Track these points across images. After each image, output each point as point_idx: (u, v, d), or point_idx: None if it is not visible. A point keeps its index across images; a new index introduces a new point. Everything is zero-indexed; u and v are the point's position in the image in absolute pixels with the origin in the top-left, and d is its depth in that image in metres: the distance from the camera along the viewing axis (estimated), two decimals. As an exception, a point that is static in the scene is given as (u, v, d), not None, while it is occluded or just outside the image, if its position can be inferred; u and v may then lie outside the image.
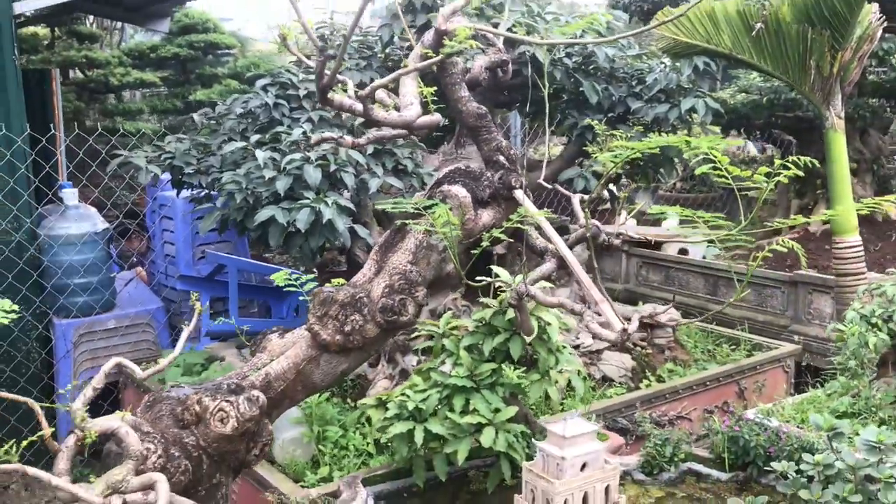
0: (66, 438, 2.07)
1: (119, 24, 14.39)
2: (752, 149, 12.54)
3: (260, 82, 5.46)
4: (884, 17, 5.97)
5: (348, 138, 3.08)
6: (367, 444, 4.37)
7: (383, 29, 5.81)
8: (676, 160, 6.33)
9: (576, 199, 3.46)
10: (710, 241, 2.88)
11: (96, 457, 5.80)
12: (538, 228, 3.39)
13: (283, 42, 2.49)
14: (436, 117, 3.11)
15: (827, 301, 6.67)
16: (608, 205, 8.77)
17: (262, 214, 4.34)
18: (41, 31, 12.53)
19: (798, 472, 3.14)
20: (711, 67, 6.21)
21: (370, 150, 4.78)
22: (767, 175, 2.61)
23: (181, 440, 2.30)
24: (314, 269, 6.36)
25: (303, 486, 4.00)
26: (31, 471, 1.86)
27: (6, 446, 1.80)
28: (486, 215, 3.33)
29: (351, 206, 4.48)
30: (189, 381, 4.85)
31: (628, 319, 2.87)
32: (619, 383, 5.29)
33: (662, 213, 3.05)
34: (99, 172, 6.40)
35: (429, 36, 3.32)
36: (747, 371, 5.55)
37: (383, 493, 3.74)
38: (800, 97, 7.50)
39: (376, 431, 3.83)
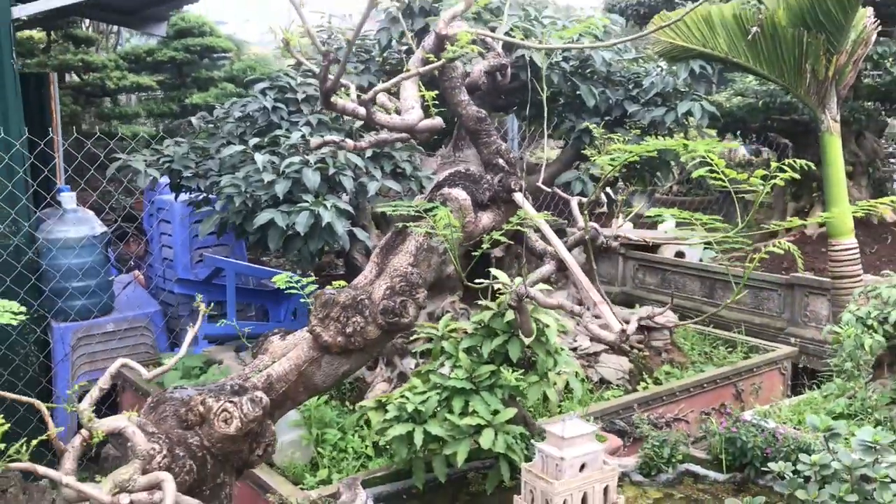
0: (72, 439, 2.09)
1: (115, 28, 14.39)
2: (742, 152, 12.58)
3: (258, 86, 5.48)
4: (878, 21, 6.02)
5: (349, 142, 3.10)
6: (366, 446, 4.38)
7: (381, 33, 5.84)
8: (673, 163, 6.37)
9: (574, 202, 3.48)
10: (708, 244, 2.90)
11: (93, 460, 5.80)
12: (537, 231, 3.41)
13: (286, 47, 2.51)
14: (437, 121, 3.14)
15: (823, 303, 6.71)
16: (605, 208, 8.80)
17: (262, 218, 4.35)
18: (37, 34, 12.53)
19: (795, 472, 3.16)
20: (707, 71, 6.25)
21: (369, 153, 4.80)
22: (764, 178, 2.63)
23: (185, 440, 2.32)
24: (311, 273, 6.38)
25: (302, 489, 4.01)
26: (42, 469, 1.88)
27: (17, 445, 1.82)
28: (486, 218, 3.35)
29: (350, 209, 4.50)
30: (187, 384, 4.86)
31: (627, 322, 2.90)
32: (617, 385, 5.31)
33: (659, 215, 3.07)
34: (97, 176, 6.42)
35: (429, 40, 3.35)
36: (744, 373, 5.58)
37: (383, 495, 3.76)
38: (795, 100, 7.54)
39: (375, 433, 3.84)
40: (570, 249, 3.18)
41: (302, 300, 3.10)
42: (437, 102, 3.12)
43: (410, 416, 3.60)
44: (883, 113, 9.48)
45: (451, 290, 5.13)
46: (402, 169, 4.86)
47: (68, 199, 6.10)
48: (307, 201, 4.41)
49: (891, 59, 8.10)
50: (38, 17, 6.37)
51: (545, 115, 3.71)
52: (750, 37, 5.75)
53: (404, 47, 6.19)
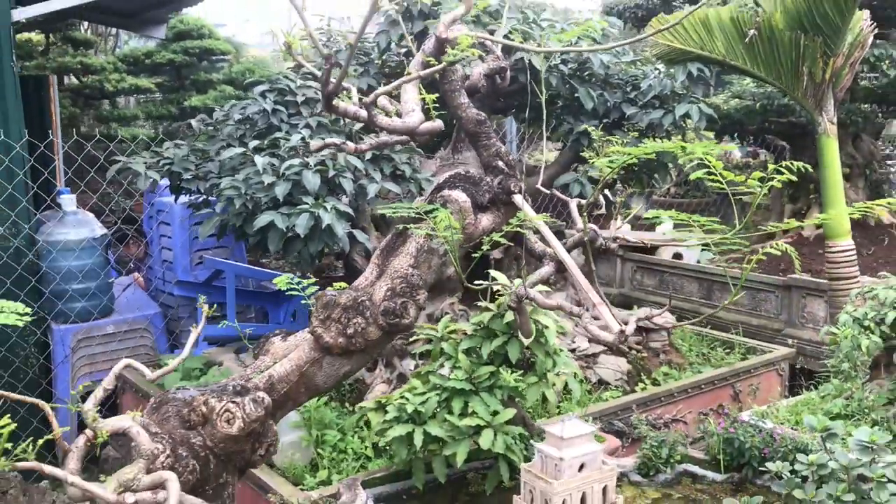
0: (76, 439, 2.11)
1: (113, 31, 14.41)
2: (737, 154, 12.62)
3: (258, 88, 5.50)
4: (875, 23, 6.05)
5: (351, 144, 3.13)
6: (366, 447, 4.40)
7: (380, 36, 5.86)
8: (671, 165, 6.40)
9: (573, 204, 3.51)
10: (705, 246, 2.93)
11: (93, 462, 5.80)
12: (537, 232, 3.44)
13: (288, 50, 2.53)
14: (437, 123, 3.16)
15: (820, 305, 6.73)
16: (603, 210, 8.83)
17: (262, 220, 4.37)
18: (35, 37, 12.54)
19: (792, 472, 3.19)
20: (705, 73, 6.28)
21: (368, 155, 4.82)
22: (761, 180, 2.66)
23: (188, 440, 2.34)
24: (309, 275, 6.40)
25: (302, 490, 4.03)
26: (48, 469, 1.89)
27: (23, 445, 1.83)
28: (486, 220, 3.38)
29: (350, 211, 4.52)
30: (188, 385, 4.88)
31: (625, 323, 2.92)
32: (615, 387, 5.33)
33: (657, 217, 3.10)
34: (97, 178, 6.43)
35: (430, 44, 3.38)
36: (742, 374, 5.60)
37: (383, 496, 3.78)
38: (793, 103, 7.57)
39: (376, 434, 3.86)
40: (569, 251, 3.21)
41: (303, 302, 3.12)
42: (437, 105, 3.14)
43: (410, 416, 3.62)
44: (880, 115, 9.50)
45: (450, 292, 5.15)
46: (402, 171, 4.88)
47: (68, 201, 6.11)
48: (307, 203, 4.43)
49: (887, 62, 8.12)
50: (38, 19, 6.38)
51: (544, 117, 3.73)
52: (747, 39, 5.77)
53: (403, 50, 6.22)
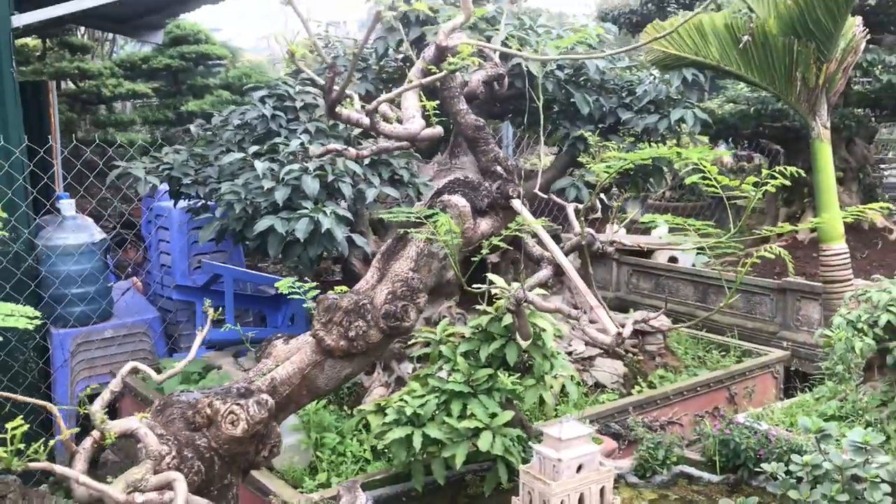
0: (83, 440, 2.14)
1: (110, 35, 14.42)
2: (727, 159, 12.66)
3: (257, 94, 5.53)
4: (867, 29, 6.10)
5: (352, 150, 3.17)
6: (365, 450, 4.43)
7: (378, 42, 5.90)
8: (666, 170, 6.45)
9: (570, 208, 3.56)
10: (701, 249, 2.97)
11: (92, 465, 5.83)
12: (534, 236, 3.48)
13: (291, 58, 2.58)
14: (437, 129, 3.21)
15: (815, 308, 6.78)
16: (599, 214, 8.87)
17: (262, 224, 4.40)
18: (32, 42, 12.56)
19: (787, 472, 3.23)
20: (700, 79, 6.34)
21: (367, 160, 4.86)
22: (755, 184, 2.70)
23: (193, 442, 2.37)
24: (307, 279, 6.43)
25: (301, 492, 4.06)
26: (59, 469, 1.92)
27: (35, 445, 1.87)
28: (485, 224, 3.42)
29: (349, 215, 4.56)
30: (189, 388, 4.90)
31: (622, 325, 2.96)
32: (612, 389, 5.37)
33: (653, 221, 3.14)
34: (96, 183, 6.46)
35: (430, 52, 3.42)
36: (737, 377, 5.64)
37: (382, 498, 3.81)
38: (786, 107, 7.62)
39: (375, 437, 3.90)
40: (566, 255, 3.25)
41: (304, 305, 3.16)
42: (437, 112, 3.19)
43: (409, 419, 3.66)
44: (873, 119, 9.57)
45: (447, 296, 5.19)
46: (400, 176, 4.92)
47: (67, 206, 6.13)
48: (307, 208, 4.46)
49: (880, 67, 8.19)
50: (37, 25, 6.41)
51: (541, 122, 3.78)
52: (741, 45, 5.82)
53: (401, 56, 6.26)
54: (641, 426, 4.36)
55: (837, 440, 3.29)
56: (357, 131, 5.14)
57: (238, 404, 2.43)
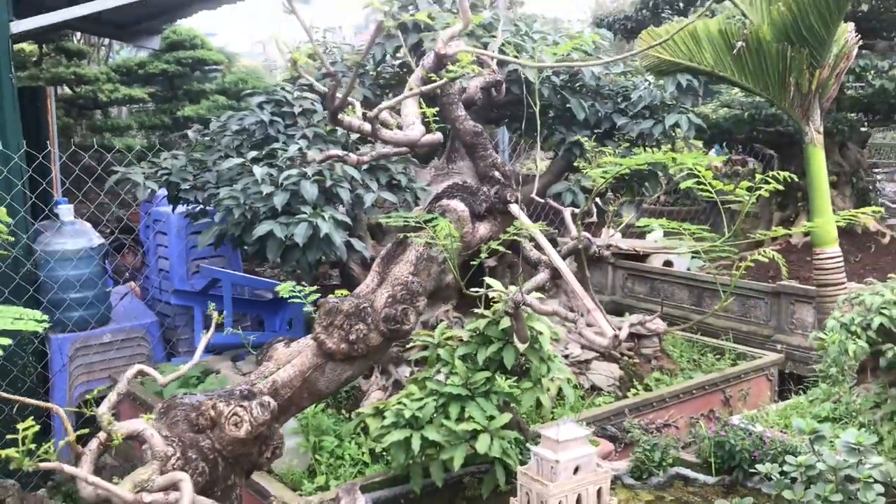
0: (89, 442, 2.17)
1: (106, 41, 14.44)
2: (716, 164, 12.72)
3: (255, 99, 5.57)
4: (860, 35, 6.16)
5: (353, 156, 3.21)
6: (363, 453, 4.46)
7: (376, 48, 5.93)
8: (661, 175, 6.49)
9: (567, 212, 3.60)
10: (696, 253, 3.01)
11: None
12: (532, 240, 3.53)
13: (294, 66, 2.61)
14: (437, 136, 3.25)
15: (809, 311, 6.83)
16: (594, 218, 8.92)
17: (261, 229, 4.43)
18: (28, 47, 12.58)
19: (782, 473, 3.27)
20: (694, 84, 6.39)
21: (365, 165, 4.90)
22: (749, 189, 2.75)
23: (197, 443, 2.40)
24: (304, 284, 6.45)
25: (300, 495, 4.09)
26: (69, 469, 1.96)
27: (45, 446, 1.90)
28: (483, 228, 3.47)
29: (347, 220, 4.59)
30: (192, 392, 4.93)
31: (619, 328, 3.00)
32: (608, 392, 5.41)
33: (648, 225, 3.18)
34: (94, 188, 6.48)
35: (429, 59, 3.47)
36: (732, 380, 5.68)
37: (381, 500, 3.85)
38: (780, 112, 7.69)
39: (373, 439, 3.93)
40: (563, 258, 3.29)
41: (304, 309, 3.19)
42: (437, 119, 3.23)
43: (408, 422, 3.69)
44: (866, 124, 9.64)
45: (444, 300, 5.23)
46: (398, 181, 4.95)
47: (66, 211, 6.16)
48: (305, 213, 4.50)
49: (872, 72, 8.26)
50: (37, 31, 6.44)
51: (538, 128, 3.83)
52: (735, 51, 5.88)
53: (398, 61, 6.31)
54: (638, 428, 4.40)
55: (831, 441, 3.33)
56: (355, 137, 5.18)
57: (241, 406, 2.46)
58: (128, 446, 4.17)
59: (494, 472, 3.74)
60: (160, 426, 2.40)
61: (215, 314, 2.75)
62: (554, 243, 3.92)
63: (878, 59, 8.37)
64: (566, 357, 5.49)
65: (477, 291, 3.46)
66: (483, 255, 3.23)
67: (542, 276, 3.38)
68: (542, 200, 4.02)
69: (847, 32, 6.05)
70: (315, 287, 3.35)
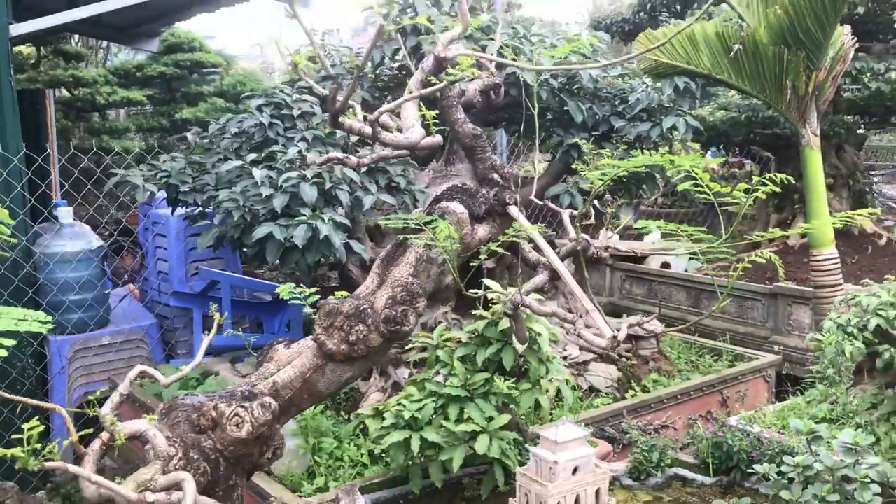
0: (91, 443, 2.19)
1: (104, 43, 14.46)
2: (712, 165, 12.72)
3: (254, 102, 5.58)
4: (856, 38, 6.20)
5: (353, 159, 3.23)
6: (362, 455, 4.47)
7: (374, 51, 5.96)
8: (658, 177, 6.52)
9: (566, 214, 3.62)
10: (693, 255, 3.04)
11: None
12: (531, 242, 3.55)
13: (295, 69, 2.63)
14: (437, 138, 3.27)
15: (806, 312, 6.86)
16: (592, 220, 8.95)
17: (260, 231, 4.45)
18: (26, 50, 12.59)
19: (779, 473, 3.29)
20: (691, 87, 6.42)
21: (363, 168, 4.92)
22: (746, 191, 2.77)
23: (199, 444, 2.42)
24: (301, 285, 6.47)
25: (300, 496, 4.10)
26: (73, 468, 1.97)
27: (50, 446, 1.92)
28: (483, 230, 3.49)
29: (347, 222, 4.61)
30: (191, 393, 4.94)
31: (618, 329, 3.02)
32: (606, 394, 5.42)
33: (645, 227, 3.21)
34: (93, 191, 6.50)
35: (428, 62, 3.49)
36: (730, 381, 5.70)
37: (380, 501, 3.86)
38: (777, 115, 7.71)
39: (373, 441, 3.95)
40: (562, 260, 3.31)
41: (304, 311, 3.21)
42: (436, 121, 3.25)
43: (407, 423, 3.70)
44: (862, 126, 9.67)
45: (443, 301, 5.24)
46: (397, 183, 4.98)
47: (65, 213, 6.17)
48: (305, 215, 4.52)
49: (868, 75, 8.30)
50: (36, 34, 6.45)
51: (536, 131, 3.85)
52: (732, 54, 5.91)
53: (396, 64, 6.33)
54: (636, 430, 4.42)
55: (828, 442, 3.35)
56: (354, 139, 5.20)
57: (243, 407, 2.48)
58: (127, 448, 4.18)
59: (493, 473, 3.76)
60: (162, 427, 2.42)
61: (217, 315, 2.76)
62: (552, 245, 3.94)
63: (874, 61, 8.41)
64: (564, 359, 5.51)
65: (476, 293, 3.48)
66: (483, 257, 3.25)
67: (541, 277, 3.40)
68: (540, 202, 4.05)
69: (843, 35, 6.09)
70: (314, 289, 3.37)
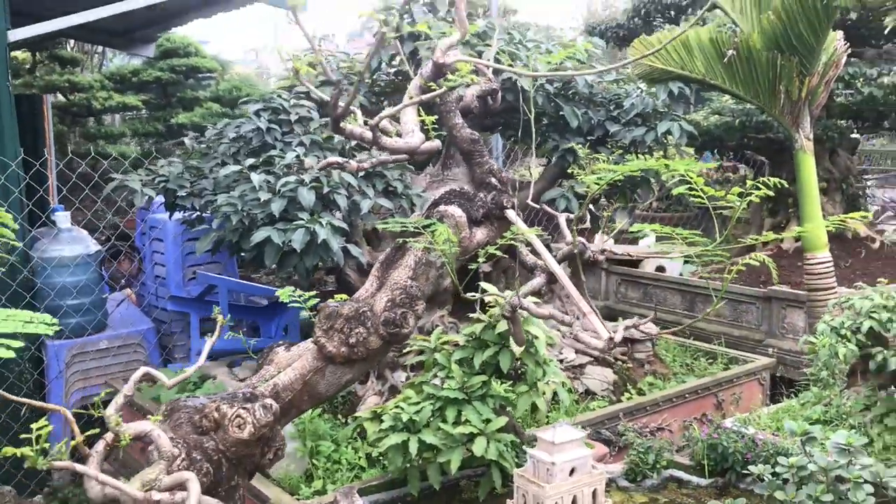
0: (95, 444, 2.21)
1: (99, 48, 14.47)
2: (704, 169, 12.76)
3: (252, 107, 5.61)
4: (848, 43, 6.26)
5: (353, 163, 3.27)
6: (359, 458, 4.49)
7: (371, 56, 5.99)
8: (653, 181, 6.57)
9: (562, 218, 3.66)
10: (688, 259, 3.08)
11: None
12: (528, 245, 3.58)
13: (296, 75, 2.67)
14: (436, 143, 3.31)
15: (800, 315, 6.90)
16: (587, 224, 8.98)
17: (258, 235, 4.48)
18: (21, 55, 12.60)
19: (774, 474, 3.32)
20: (686, 92, 6.47)
21: (362, 172, 4.95)
22: (740, 195, 2.81)
23: (202, 445, 2.45)
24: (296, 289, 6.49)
25: (298, 500, 4.12)
26: (80, 467, 2.00)
27: (58, 446, 1.94)
28: (480, 233, 3.53)
29: (344, 226, 4.64)
30: (192, 395, 4.95)
31: (614, 332, 3.06)
32: (602, 396, 5.46)
33: (641, 231, 3.24)
34: (91, 195, 6.51)
35: (427, 68, 3.53)
36: (724, 384, 5.73)
37: (378, 503, 3.88)
38: (771, 119, 7.77)
39: (370, 444, 3.97)
40: (559, 263, 3.35)
41: (302, 314, 3.24)
42: (436, 126, 3.29)
43: (405, 425, 3.73)
44: (855, 131, 9.74)
45: (440, 305, 5.27)
46: (394, 187, 5.01)
47: (63, 218, 6.19)
48: (303, 219, 4.54)
49: (861, 80, 8.36)
50: (33, 39, 6.47)
51: (532, 135, 3.89)
52: (726, 59, 5.95)
53: (393, 69, 6.37)
54: (632, 432, 4.45)
55: (822, 443, 3.38)
56: (351, 144, 5.23)
57: (245, 408, 2.51)
58: (126, 453, 4.19)
59: (491, 475, 3.79)
60: (165, 428, 2.44)
61: (220, 317, 2.79)
62: (548, 248, 3.98)
63: (866, 66, 8.47)
64: (560, 362, 5.54)
65: (474, 296, 3.51)
66: (481, 260, 3.28)
67: (538, 280, 3.44)
68: (537, 206, 4.09)
69: (836, 41, 6.14)
70: (314, 292, 3.39)
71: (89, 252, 6.14)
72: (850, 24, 8.11)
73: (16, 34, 6.11)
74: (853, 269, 8.29)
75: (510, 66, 4.75)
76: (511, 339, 3.63)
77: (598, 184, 2.99)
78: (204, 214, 5.38)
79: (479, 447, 3.65)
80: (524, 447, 3.73)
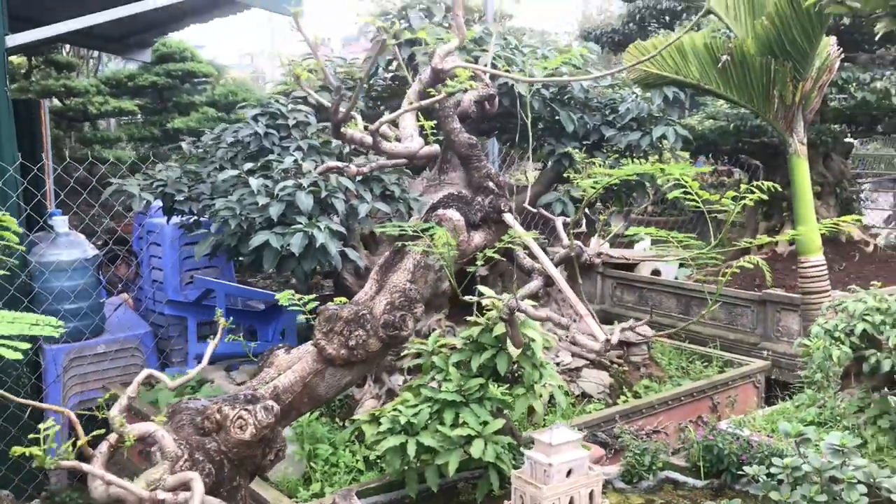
0: (100, 444, 2.24)
1: (95, 53, 14.47)
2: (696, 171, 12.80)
3: (250, 112, 5.64)
4: (842, 48, 6.31)
5: (352, 167, 3.30)
6: (357, 461, 4.51)
7: (368, 61, 6.03)
8: (648, 185, 6.61)
9: (558, 222, 3.69)
10: (683, 262, 3.11)
11: (82, 480, 5.86)
12: (525, 248, 3.62)
13: (297, 81, 2.70)
14: (435, 148, 3.35)
15: (794, 318, 6.94)
16: (583, 227, 9.03)
17: (257, 239, 4.50)
18: (17, 59, 12.60)
19: (769, 475, 3.35)
20: (680, 96, 6.52)
21: (359, 176, 4.98)
22: (734, 199, 2.85)
23: (204, 446, 2.47)
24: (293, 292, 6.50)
25: (297, 502, 4.14)
26: (86, 467, 2.02)
27: (64, 446, 1.97)
28: (478, 237, 3.56)
29: (342, 230, 4.67)
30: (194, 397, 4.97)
31: (611, 333, 3.09)
32: (598, 399, 5.48)
33: (636, 234, 3.28)
34: (89, 200, 6.53)
35: (426, 74, 3.57)
36: (720, 386, 5.76)
37: (377, 505, 3.91)
38: (765, 124, 7.81)
39: (367, 447, 3.99)
40: (556, 266, 3.38)
41: (299, 318, 3.26)
42: (434, 131, 3.32)
43: (403, 428, 3.75)
44: (849, 135, 9.79)
45: (437, 308, 5.30)
46: (391, 191, 5.03)
47: (60, 222, 6.20)
48: (301, 223, 4.57)
49: (854, 84, 8.42)
50: (33, 45, 6.49)
51: (529, 140, 3.92)
52: (720, 65, 6.00)
53: (390, 74, 6.40)
54: (628, 434, 4.48)
55: (816, 444, 3.42)
56: (349, 148, 5.26)
57: (246, 410, 2.53)
58: (124, 455, 4.20)
59: (488, 477, 3.81)
60: (167, 429, 2.47)
61: (222, 320, 2.81)
62: (544, 252, 4.01)
63: (859, 71, 8.54)
64: (557, 365, 5.57)
65: (471, 299, 3.54)
66: (479, 263, 3.31)
67: (535, 283, 3.47)
68: (533, 210, 4.12)
69: (829, 46, 6.20)
70: (314, 296, 3.42)
71: (87, 256, 6.15)
72: (843, 29, 8.19)
73: (14, 39, 6.13)
74: (847, 273, 8.34)
75: (507, 71, 4.79)
76: (508, 341, 3.66)
77: (593, 188, 3.03)
78: (202, 219, 5.39)
79: (476, 449, 3.67)
80: (521, 449, 3.76)
